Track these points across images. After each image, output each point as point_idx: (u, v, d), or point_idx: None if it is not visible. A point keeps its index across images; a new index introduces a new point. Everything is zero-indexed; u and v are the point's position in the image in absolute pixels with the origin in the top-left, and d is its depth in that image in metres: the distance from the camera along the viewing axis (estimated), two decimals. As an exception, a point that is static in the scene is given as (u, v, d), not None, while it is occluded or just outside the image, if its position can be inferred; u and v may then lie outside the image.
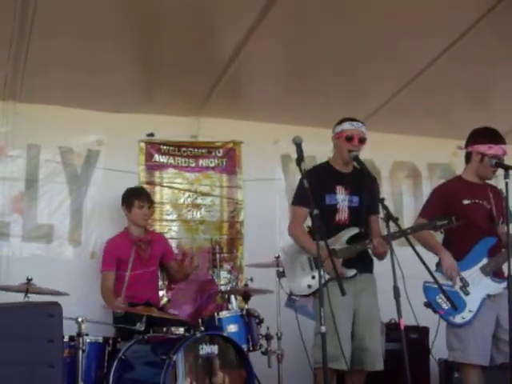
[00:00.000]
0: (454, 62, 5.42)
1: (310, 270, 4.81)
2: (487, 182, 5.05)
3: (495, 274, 4.82)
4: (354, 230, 4.85)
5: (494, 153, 4.88)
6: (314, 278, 4.77)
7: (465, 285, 4.73)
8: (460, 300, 4.71)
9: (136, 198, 5.92)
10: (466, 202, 4.90)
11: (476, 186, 5.00)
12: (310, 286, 4.77)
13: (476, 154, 4.96)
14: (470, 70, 5.62)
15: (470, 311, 4.69)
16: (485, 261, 4.81)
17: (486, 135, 4.97)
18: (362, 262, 4.86)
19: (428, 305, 4.78)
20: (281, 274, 5.27)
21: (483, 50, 5.25)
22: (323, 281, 4.52)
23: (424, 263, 4.46)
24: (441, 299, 4.73)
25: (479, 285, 4.75)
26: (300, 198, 4.87)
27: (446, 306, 4.71)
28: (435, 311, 4.79)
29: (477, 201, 4.91)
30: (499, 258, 4.80)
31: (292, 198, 5.08)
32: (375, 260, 4.91)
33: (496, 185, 5.11)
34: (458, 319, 4.72)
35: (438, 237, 5.09)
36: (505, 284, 4.62)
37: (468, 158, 5.04)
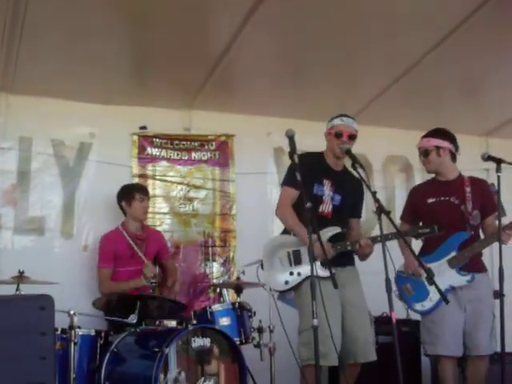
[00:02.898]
0: (444, 57, 5.44)
1: (289, 265, 4.78)
2: (469, 176, 5.14)
3: (463, 268, 4.93)
4: (336, 230, 4.81)
5: (419, 146, 5.17)
6: (291, 274, 4.74)
7: (432, 276, 4.79)
8: (424, 289, 4.92)
9: (137, 191, 5.95)
10: (430, 200, 5.08)
11: (445, 183, 5.12)
12: (287, 282, 4.75)
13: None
14: (460, 64, 5.64)
15: (431, 301, 4.87)
16: (453, 254, 4.94)
17: None
18: (344, 256, 4.83)
19: (397, 293, 4.99)
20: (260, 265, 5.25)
21: (473, 45, 5.29)
22: (304, 277, 4.56)
23: (412, 251, 4.53)
24: (406, 288, 5.02)
25: (443, 276, 4.86)
26: (289, 179, 4.82)
27: (408, 294, 5.00)
28: (399, 298, 5.01)
29: (442, 198, 5.05)
30: (466, 252, 4.93)
31: (283, 178, 5.04)
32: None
33: (488, 178, 5.18)
34: (418, 307, 4.98)
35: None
36: (469, 277, 4.90)
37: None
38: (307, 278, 4.38)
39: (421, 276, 4.90)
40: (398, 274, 4.94)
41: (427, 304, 4.89)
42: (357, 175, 4.47)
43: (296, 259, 4.75)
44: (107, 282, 5.77)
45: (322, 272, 4.43)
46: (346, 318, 4.71)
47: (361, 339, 4.70)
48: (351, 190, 4.95)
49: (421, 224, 4.92)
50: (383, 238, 4.16)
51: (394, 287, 4.84)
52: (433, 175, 5.25)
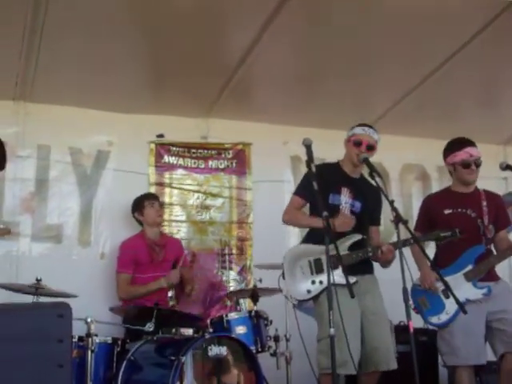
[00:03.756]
0: (464, 65, 5.43)
1: (310, 274, 4.75)
2: (483, 189, 5.11)
3: (480, 280, 4.91)
4: (357, 237, 4.79)
5: (461, 158, 4.98)
6: (313, 282, 4.72)
7: (450, 289, 4.77)
8: (440, 302, 4.87)
9: (145, 198, 6.03)
10: (447, 211, 5.00)
11: (462, 195, 5.06)
12: (309, 291, 4.71)
13: (449, 166, 5.11)
14: (480, 72, 5.64)
15: (447, 314, 4.83)
16: (469, 267, 4.91)
17: (451, 146, 5.09)
18: (363, 264, 4.83)
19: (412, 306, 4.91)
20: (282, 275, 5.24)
21: (494, 53, 5.27)
22: (326, 286, 4.53)
23: (430, 261, 4.52)
24: (421, 300, 4.97)
25: (460, 289, 4.78)
26: (301, 189, 4.89)
27: (424, 307, 4.95)
28: (416, 311, 4.95)
29: (459, 210, 4.99)
30: (482, 266, 4.91)
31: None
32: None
33: (506, 187, 5.16)
34: (434, 320, 4.92)
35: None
36: (484, 290, 4.85)
37: (450, 172, 5.15)
38: (335, 285, 4.35)
39: (437, 290, 4.86)
40: (413, 287, 4.87)
41: (443, 317, 4.84)
42: (374, 183, 4.47)
43: (317, 268, 4.72)
44: (125, 286, 5.80)
45: (343, 279, 4.40)
46: (366, 327, 4.69)
47: (382, 347, 4.68)
48: (370, 196, 4.93)
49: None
50: (401, 245, 4.14)
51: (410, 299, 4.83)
52: (448, 185, 5.24)
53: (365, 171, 4.82)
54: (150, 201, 6.00)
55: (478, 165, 4.99)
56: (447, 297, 4.76)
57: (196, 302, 6.18)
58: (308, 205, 4.91)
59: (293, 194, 5.01)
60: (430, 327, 5.06)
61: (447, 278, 4.81)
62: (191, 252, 6.36)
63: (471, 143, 5.01)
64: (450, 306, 4.75)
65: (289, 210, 4.97)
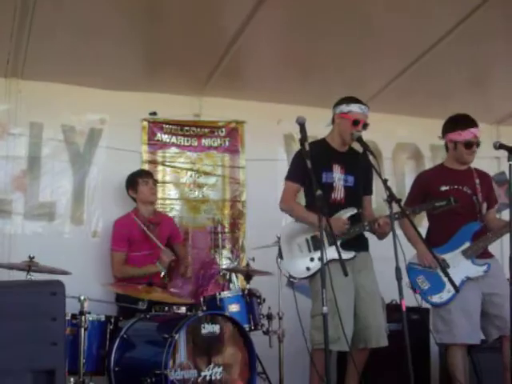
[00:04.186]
0: (456, 44, 5.42)
1: (308, 251, 4.79)
2: (474, 167, 5.14)
3: (478, 257, 4.94)
4: (352, 211, 4.84)
5: (464, 138, 5.00)
6: (312, 260, 4.75)
7: (445, 266, 4.77)
8: (439, 280, 4.84)
9: (138, 176, 6.02)
10: (443, 188, 5.01)
11: (457, 172, 5.08)
12: (308, 269, 4.75)
13: (449, 142, 5.10)
14: (472, 52, 5.62)
15: (449, 292, 4.79)
16: (467, 244, 4.94)
17: (455, 123, 5.08)
18: (359, 241, 4.87)
19: (410, 285, 4.91)
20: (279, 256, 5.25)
21: (483, 32, 5.25)
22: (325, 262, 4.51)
23: (421, 238, 4.53)
24: (420, 280, 4.94)
25: (459, 267, 4.84)
26: (293, 174, 4.90)
27: (424, 286, 4.92)
28: (414, 291, 4.92)
29: (455, 186, 5.00)
30: (480, 243, 4.93)
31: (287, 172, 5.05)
32: (377, 242, 4.90)
33: (499, 166, 5.17)
34: (435, 299, 4.89)
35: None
36: (485, 267, 4.87)
37: (446, 147, 5.11)
38: (329, 262, 4.34)
39: (437, 268, 4.81)
40: (409, 266, 4.87)
41: (445, 295, 4.82)
42: (360, 151, 4.47)
43: (315, 245, 4.74)
44: (120, 265, 5.81)
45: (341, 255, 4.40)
46: (359, 304, 4.73)
47: (373, 325, 4.72)
48: (361, 168, 4.95)
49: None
50: (394, 217, 4.16)
51: (406, 279, 4.83)
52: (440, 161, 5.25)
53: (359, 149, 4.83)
54: (143, 178, 5.99)
55: (478, 146, 5.02)
56: (446, 274, 4.76)
57: (189, 280, 6.18)
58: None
59: (286, 180, 5.00)
60: (424, 305, 5.07)
61: (445, 256, 4.85)
62: (183, 230, 6.36)
63: (475, 124, 5.03)
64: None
65: (286, 198, 4.95)
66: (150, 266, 5.68)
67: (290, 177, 4.96)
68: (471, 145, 4.99)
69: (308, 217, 4.67)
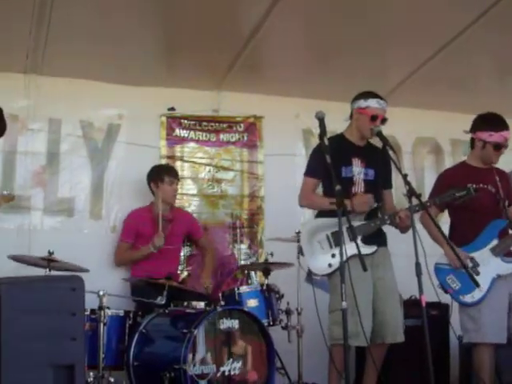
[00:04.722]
0: (478, 36, 5.35)
1: (330, 248, 4.75)
2: (493, 165, 5.08)
3: (506, 254, 4.88)
4: (373, 205, 4.82)
5: (495, 140, 4.94)
6: (333, 256, 4.71)
7: (475, 265, 4.77)
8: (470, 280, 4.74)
9: (166, 173, 5.96)
10: (469, 186, 4.90)
11: (480, 170, 5.04)
12: (330, 265, 4.72)
13: (478, 140, 5.02)
14: (495, 44, 5.54)
15: (481, 291, 4.72)
16: (495, 242, 4.87)
17: (488, 122, 5.00)
18: (379, 236, 4.85)
19: (440, 285, 4.87)
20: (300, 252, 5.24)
21: (510, 24, 5.17)
22: (347, 258, 4.50)
23: (446, 239, 4.49)
24: (451, 279, 4.86)
25: (489, 265, 4.79)
26: (312, 169, 4.89)
27: (455, 285, 4.84)
28: (445, 291, 4.88)
29: (481, 185, 4.93)
30: (509, 240, 4.89)
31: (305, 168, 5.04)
32: (396, 238, 4.87)
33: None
34: (468, 299, 4.80)
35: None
36: None
37: (472, 143, 5.07)
38: (349, 258, 4.32)
39: (467, 266, 4.69)
40: (437, 267, 4.86)
41: (477, 295, 4.73)
42: (378, 146, 4.44)
43: (336, 240, 4.71)
44: (121, 254, 5.85)
45: (362, 249, 4.38)
46: (376, 299, 4.72)
47: (391, 321, 4.71)
48: (380, 161, 4.93)
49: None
50: (414, 209, 4.18)
51: (436, 281, 4.81)
52: (464, 159, 5.21)
53: (379, 144, 4.80)
54: (170, 178, 5.93)
55: (506, 148, 4.98)
56: (477, 273, 4.72)
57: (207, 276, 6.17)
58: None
59: (304, 176, 4.98)
60: (443, 301, 5.04)
61: (473, 254, 4.81)
62: (202, 226, 6.35)
63: (507, 127, 4.99)
64: (482, 282, 4.65)
65: (304, 194, 4.94)
66: (145, 247, 5.69)
67: (308, 172, 4.95)
68: (500, 147, 4.96)
69: (325, 202, 4.58)
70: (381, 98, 4.84)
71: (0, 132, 4.30)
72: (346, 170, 4.83)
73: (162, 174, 5.94)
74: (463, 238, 4.90)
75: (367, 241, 4.67)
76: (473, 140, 5.08)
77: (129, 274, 5.86)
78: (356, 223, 4.63)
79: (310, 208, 5.04)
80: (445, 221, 5.23)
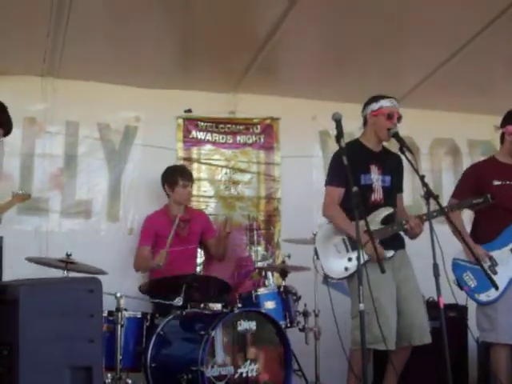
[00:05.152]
0: (496, 37, 5.32)
1: (346, 252, 4.73)
2: None
3: None
4: (388, 210, 4.79)
5: None
6: (350, 260, 4.69)
7: (493, 264, 4.74)
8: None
9: (180, 176, 5.94)
10: (496, 182, 4.91)
11: (509, 166, 4.98)
12: (347, 269, 4.70)
13: (509, 134, 4.96)
14: (510, 46, 5.50)
15: (497, 290, 4.66)
16: None
17: None
18: (395, 239, 4.83)
19: (456, 281, 4.83)
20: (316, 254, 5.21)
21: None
22: (363, 262, 4.48)
23: (464, 240, 4.46)
24: (468, 276, 4.84)
25: (508, 265, 4.76)
26: (334, 178, 4.81)
27: (472, 283, 4.82)
28: (461, 288, 4.85)
29: (508, 182, 4.90)
30: None
31: (326, 178, 4.99)
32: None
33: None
34: (483, 297, 4.78)
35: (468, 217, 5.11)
36: None
37: (502, 138, 5.02)
38: (367, 261, 4.30)
39: (486, 263, 4.71)
40: (455, 262, 4.83)
41: (493, 294, 4.69)
42: (392, 150, 4.42)
43: (352, 244, 4.69)
44: (139, 259, 5.84)
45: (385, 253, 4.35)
46: (401, 301, 4.68)
47: (417, 322, 4.67)
48: (395, 167, 4.95)
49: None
50: (432, 215, 4.14)
51: (452, 276, 4.75)
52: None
53: (395, 147, 4.77)
54: (184, 181, 5.92)
55: None
56: (495, 273, 4.69)
57: (224, 278, 6.17)
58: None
59: (328, 185, 4.90)
60: (460, 303, 5.01)
61: (492, 253, 4.77)
62: (219, 226, 6.32)
63: None
64: (499, 282, 4.59)
65: (329, 204, 4.86)
66: (152, 261, 5.66)
67: (331, 181, 4.86)
68: None
69: (348, 230, 4.58)
70: (391, 98, 4.84)
71: (6, 131, 4.31)
72: (365, 178, 4.80)
73: (175, 177, 5.94)
74: (485, 236, 4.87)
75: (385, 245, 4.63)
76: (503, 135, 5.03)
77: (146, 277, 5.86)
78: (372, 227, 4.59)
79: (330, 220, 4.94)
80: (464, 217, 5.19)
